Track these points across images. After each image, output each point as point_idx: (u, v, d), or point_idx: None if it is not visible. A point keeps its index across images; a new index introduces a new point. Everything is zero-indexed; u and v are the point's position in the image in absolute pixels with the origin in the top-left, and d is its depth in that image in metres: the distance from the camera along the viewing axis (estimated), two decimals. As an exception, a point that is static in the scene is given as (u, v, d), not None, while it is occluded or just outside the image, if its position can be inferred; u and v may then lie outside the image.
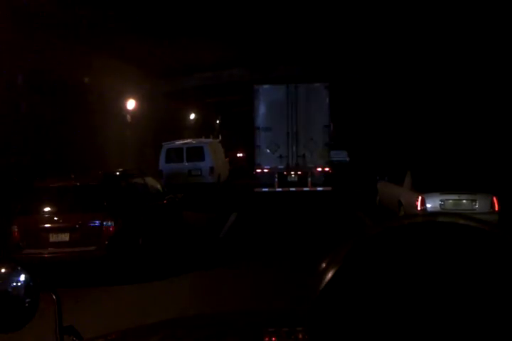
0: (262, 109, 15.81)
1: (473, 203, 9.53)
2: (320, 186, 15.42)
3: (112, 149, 15.93)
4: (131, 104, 17.41)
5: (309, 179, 15.50)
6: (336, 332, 0.73)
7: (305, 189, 15.53)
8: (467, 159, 12.39)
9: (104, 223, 7.34)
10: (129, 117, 17.37)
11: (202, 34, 13.37)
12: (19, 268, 1.32)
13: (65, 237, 7.18)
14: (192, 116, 28.79)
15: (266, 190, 15.65)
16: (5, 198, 8.88)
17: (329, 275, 0.74)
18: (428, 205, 9.60)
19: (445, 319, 0.69)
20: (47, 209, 7.52)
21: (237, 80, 19.78)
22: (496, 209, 9.40)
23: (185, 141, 17.49)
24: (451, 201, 9.60)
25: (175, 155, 16.35)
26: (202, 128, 30.34)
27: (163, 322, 1.96)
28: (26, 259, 7.05)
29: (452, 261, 0.71)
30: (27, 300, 1.29)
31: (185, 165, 16.27)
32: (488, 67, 12.41)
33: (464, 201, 9.61)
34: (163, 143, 16.84)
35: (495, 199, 9.43)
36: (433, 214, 0.71)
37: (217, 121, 36.78)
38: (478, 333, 0.69)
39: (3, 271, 1.32)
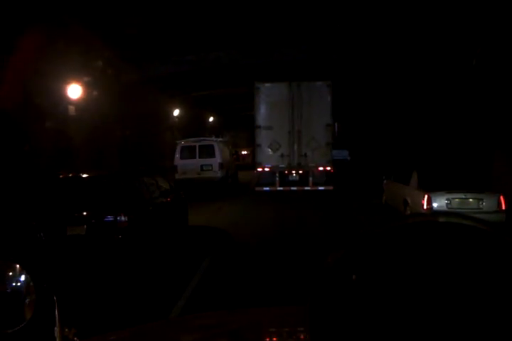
0: (263, 107, 15.55)
1: (480, 202, 9.61)
2: (321, 185, 15.26)
3: (44, 149, 12.01)
4: (74, 92, 13.01)
5: (310, 178, 15.34)
6: (337, 331, 0.73)
7: (306, 188, 15.36)
8: (473, 158, 12.46)
9: (118, 218, 7.54)
10: (72, 109, 13.37)
11: (181, 6, 11.45)
12: (19, 268, 1.31)
13: (82, 231, 7.41)
14: (176, 112, 24.64)
15: (267, 189, 15.51)
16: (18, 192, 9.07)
17: (330, 274, 0.75)
18: (434, 204, 9.69)
19: (446, 319, 0.69)
20: (64, 203, 7.73)
21: (226, 64, 16.76)
22: (504, 207, 9.48)
23: (198, 140, 19.17)
24: (457, 200, 9.68)
25: (188, 152, 18.08)
26: (190, 128, 26.16)
27: (164, 322, 1.95)
28: (45, 251, 7.34)
29: (453, 261, 0.71)
30: (27, 299, 1.28)
31: (198, 161, 17.97)
32: (496, 65, 12.46)
33: (471, 200, 9.69)
34: (177, 142, 18.86)
35: (502, 198, 9.51)
36: (434, 213, 0.71)
37: (210, 119, 33.44)
38: (479, 332, 0.68)
39: (3, 270, 1.31)
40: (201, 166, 17.91)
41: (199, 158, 18.01)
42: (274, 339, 1.71)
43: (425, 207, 9.70)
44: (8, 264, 1.33)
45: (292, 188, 15.44)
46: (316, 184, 15.33)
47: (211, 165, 17.89)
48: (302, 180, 15.55)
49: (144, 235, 8.02)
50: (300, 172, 15.60)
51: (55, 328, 1.30)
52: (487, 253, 0.73)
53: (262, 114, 15.56)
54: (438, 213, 0.77)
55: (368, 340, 0.72)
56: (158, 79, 17.26)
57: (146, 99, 19.27)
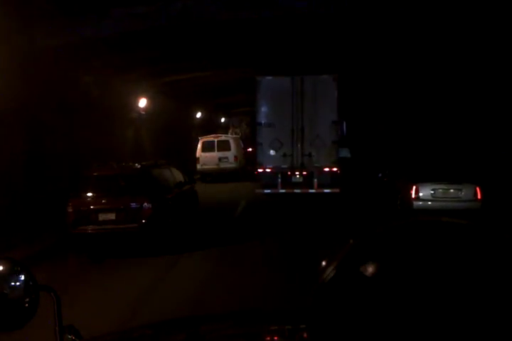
0: (264, 103, 14.45)
1: (460, 192, 10.93)
2: (327, 188, 14.17)
3: None
4: None
5: (315, 180, 14.26)
6: (337, 329, 0.74)
7: (311, 191, 14.29)
8: (456, 154, 13.71)
9: (143, 205, 8.80)
10: None
11: None
12: (19, 268, 1.31)
13: (112, 216, 8.67)
14: (142, 103, 18.01)
15: (268, 191, 14.50)
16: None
17: (331, 273, 0.76)
18: (421, 194, 11.06)
19: (445, 317, 0.70)
20: (96, 193, 8.98)
21: (198, 21, 10.54)
22: (479, 197, 10.79)
23: (216, 136, 22.69)
24: (440, 190, 11.01)
25: (208, 146, 21.47)
26: (167, 124, 21.19)
27: (165, 322, 1.99)
28: (80, 234, 8.63)
29: (447, 259, 0.73)
30: (27, 299, 1.29)
31: (216, 153, 21.37)
32: (482, 67, 13.40)
33: (452, 190, 11.00)
34: (199, 138, 22.14)
35: (478, 189, 10.85)
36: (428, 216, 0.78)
37: (198, 115, 28.63)
38: (477, 329, 0.70)
39: (2, 270, 1.31)
40: (219, 158, 21.37)
41: (217, 151, 21.38)
42: (276, 338, 1.71)
43: (413, 196, 11.07)
44: (7, 264, 1.32)
45: (296, 191, 14.38)
46: (321, 186, 14.24)
47: (227, 157, 21.35)
48: (306, 181, 14.46)
49: (164, 220, 9.28)
50: (304, 173, 14.49)
51: (56, 328, 1.31)
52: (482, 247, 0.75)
53: (263, 110, 14.54)
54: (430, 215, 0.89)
55: (368, 338, 0.70)
56: (86, 46, 11.00)
57: (83, 81, 13.33)
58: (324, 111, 14.22)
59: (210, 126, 30.87)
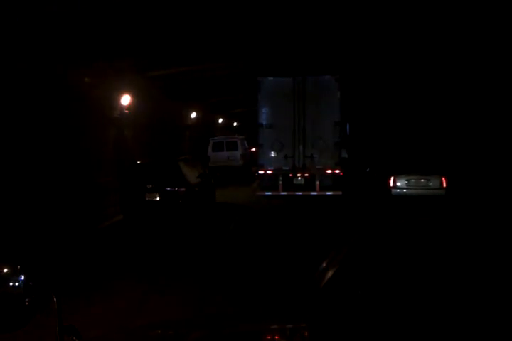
0: (265, 104, 14.41)
1: (429, 182, 13.57)
2: (329, 190, 14.06)
3: None
4: None
5: (317, 182, 14.15)
6: (337, 328, 0.77)
7: (312, 193, 14.20)
8: (428, 150, 16.34)
9: (178, 188, 11.39)
10: None
11: None
12: (19, 268, 1.35)
13: (156, 197, 11.25)
14: (126, 100, 14.61)
15: (269, 193, 14.45)
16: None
17: (330, 273, 0.81)
18: (398, 183, 13.73)
19: (443, 316, 0.71)
20: (143, 178, 11.56)
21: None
22: (444, 186, 13.46)
23: (225, 138, 25.75)
24: (413, 180, 13.68)
25: (218, 146, 24.48)
26: (157, 126, 18.43)
27: (165, 322, 2.06)
28: (129, 210, 11.20)
29: (447, 258, 0.76)
30: (27, 299, 1.32)
31: (225, 153, 24.20)
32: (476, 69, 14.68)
33: (422, 180, 13.66)
34: (210, 139, 24.92)
35: (443, 179, 13.51)
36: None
37: (192, 115, 25.84)
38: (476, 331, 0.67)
39: (3, 271, 1.36)
40: (227, 157, 24.13)
41: (226, 150, 24.18)
42: (277, 337, 1.74)
43: (391, 185, 13.70)
44: (7, 265, 1.38)
45: (297, 193, 14.28)
46: (323, 188, 14.11)
47: (235, 156, 24.14)
48: (308, 184, 14.35)
49: (194, 201, 11.85)
50: (306, 175, 14.37)
51: (56, 328, 1.35)
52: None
53: (264, 111, 14.49)
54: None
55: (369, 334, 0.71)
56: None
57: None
58: (326, 112, 14.16)
59: (207, 126, 30.02)
